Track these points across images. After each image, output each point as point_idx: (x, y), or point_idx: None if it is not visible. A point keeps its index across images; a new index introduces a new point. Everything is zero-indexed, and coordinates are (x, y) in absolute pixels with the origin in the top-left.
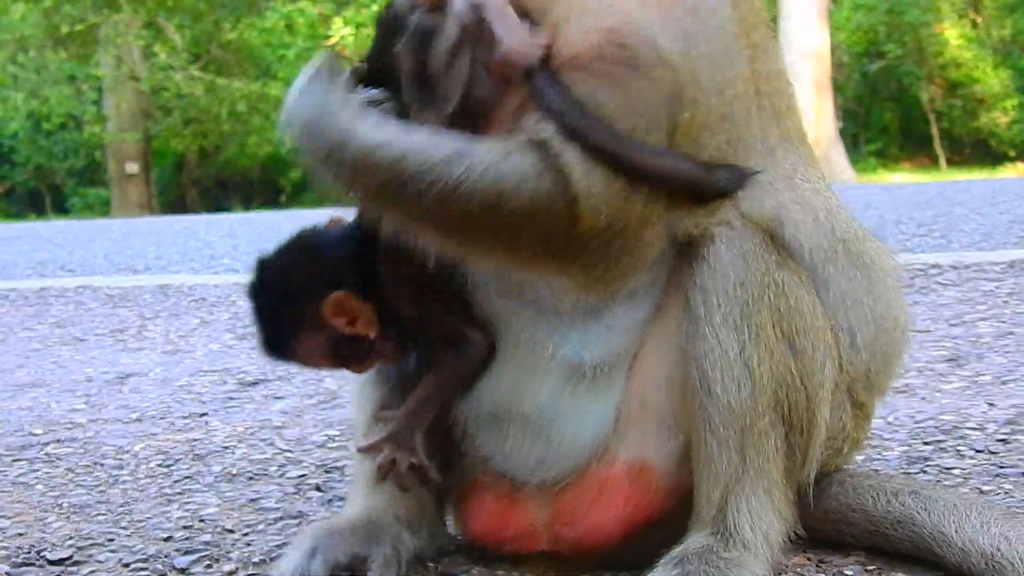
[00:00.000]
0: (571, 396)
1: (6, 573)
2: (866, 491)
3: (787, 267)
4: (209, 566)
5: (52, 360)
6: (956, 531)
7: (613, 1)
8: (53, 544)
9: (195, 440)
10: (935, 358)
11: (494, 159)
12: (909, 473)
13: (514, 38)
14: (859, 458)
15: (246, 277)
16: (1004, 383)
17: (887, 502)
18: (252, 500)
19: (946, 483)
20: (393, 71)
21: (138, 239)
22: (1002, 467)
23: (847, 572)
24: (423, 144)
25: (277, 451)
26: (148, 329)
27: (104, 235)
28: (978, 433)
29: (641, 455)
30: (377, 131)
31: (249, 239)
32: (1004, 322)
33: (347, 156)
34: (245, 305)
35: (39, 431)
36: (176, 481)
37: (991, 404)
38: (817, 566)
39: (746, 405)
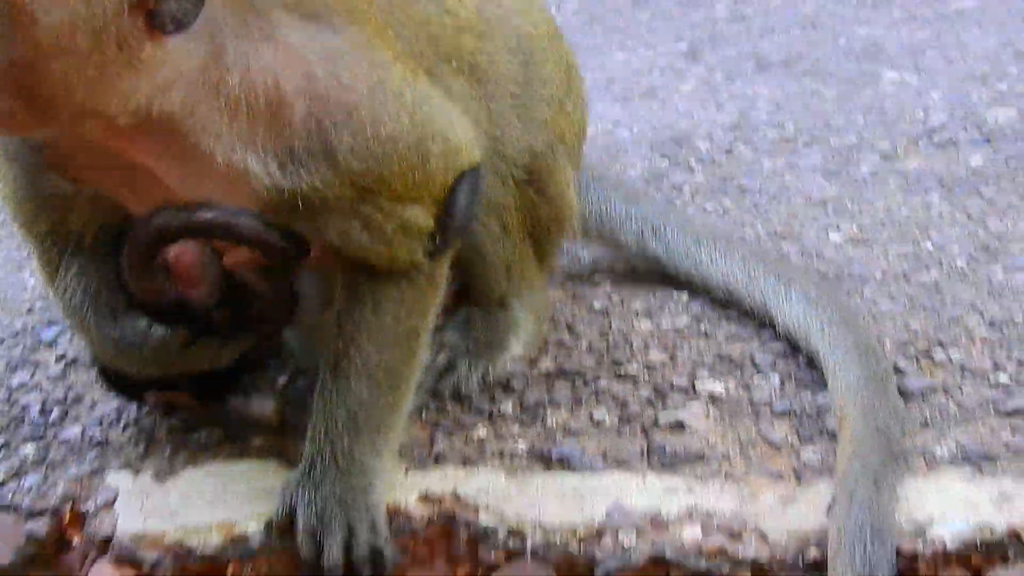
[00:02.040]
0: None
1: None
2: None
3: None
4: (71, 338)
5: None
6: None
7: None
8: None
9: None
10: (676, 52)
11: None
12: (648, 191)
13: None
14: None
15: None
16: (731, 80)
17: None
18: None
19: (677, 201)
20: None
21: None
22: (723, 180)
23: (596, 303)
24: None
25: None
26: None
27: None
28: (706, 143)
29: None
30: None
31: None
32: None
33: None
34: None
35: None
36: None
37: (719, 106)
38: (573, 299)
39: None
